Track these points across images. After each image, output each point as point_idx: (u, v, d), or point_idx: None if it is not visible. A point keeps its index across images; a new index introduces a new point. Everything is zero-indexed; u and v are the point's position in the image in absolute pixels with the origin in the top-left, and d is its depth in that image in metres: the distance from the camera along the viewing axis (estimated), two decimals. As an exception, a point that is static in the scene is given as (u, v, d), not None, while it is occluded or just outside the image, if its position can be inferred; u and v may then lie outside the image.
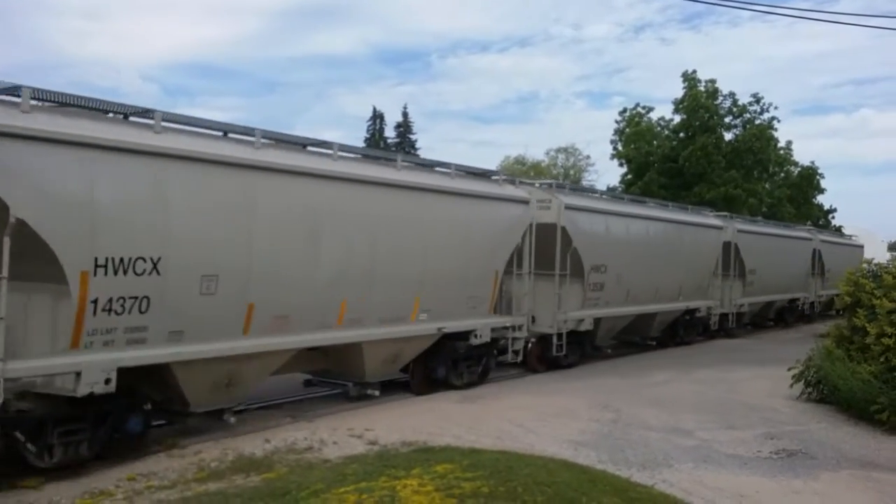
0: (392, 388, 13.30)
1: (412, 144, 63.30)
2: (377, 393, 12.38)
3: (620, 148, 38.50)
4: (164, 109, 9.00)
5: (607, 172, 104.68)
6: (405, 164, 12.84)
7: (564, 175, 58.13)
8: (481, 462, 8.32)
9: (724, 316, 24.38)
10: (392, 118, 65.48)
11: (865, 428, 11.58)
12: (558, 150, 60.14)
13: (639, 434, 10.67)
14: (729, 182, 34.45)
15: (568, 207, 16.18)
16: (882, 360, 12.05)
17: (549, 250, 15.93)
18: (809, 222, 45.78)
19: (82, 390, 7.92)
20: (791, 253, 28.92)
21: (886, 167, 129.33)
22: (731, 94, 37.13)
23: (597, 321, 17.50)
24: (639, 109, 38.88)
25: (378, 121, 64.27)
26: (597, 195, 20.97)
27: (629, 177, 38.16)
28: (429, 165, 13.83)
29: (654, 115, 38.82)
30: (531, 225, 15.26)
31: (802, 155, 53.83)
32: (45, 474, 8.14)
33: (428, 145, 78.87)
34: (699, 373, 16.89)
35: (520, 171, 51.92)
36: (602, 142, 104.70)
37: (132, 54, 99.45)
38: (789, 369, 13.89)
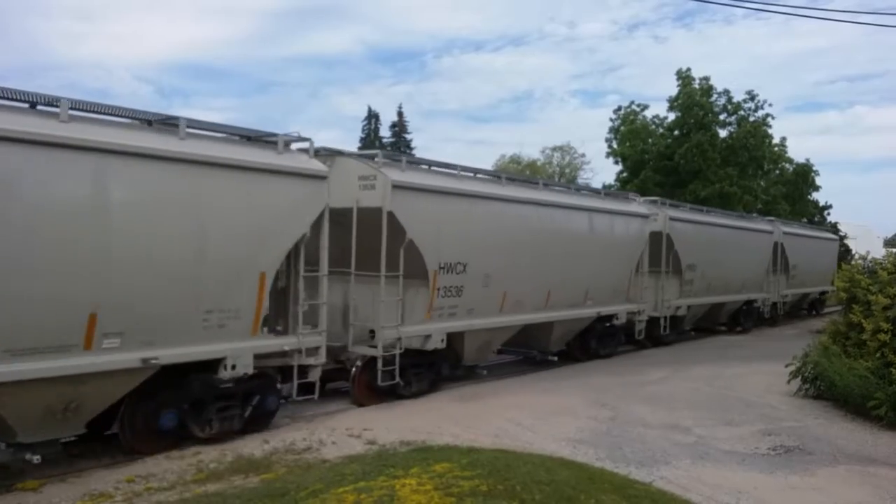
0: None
1: (407, 144, 63.33)
2: (36, 459, 8.13)
3: (615, 146, 38.48)
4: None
5: (602, 170, 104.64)
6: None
7: (560, 173, 58.19)
8: (480, 461, 8.33)
9: (654, 321, 20.49)
10: (387, 118, 65.62)
11: (862, 423, 11.63)
12: (554, 149, 60.25)
13: (636, 431, 10.70)
14: (724, 179, 34.48)
15: (399, 187, 12.04)
16: (878, 355, 12.09)
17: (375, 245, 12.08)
18: (805, 219, 45.91)
19: None
20: (745, 247, 25.03)
21: (881, 163, 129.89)
22: (726, 92, 37.13)
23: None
24: (633, 107, 38.87)
25: (373, 120, 64.34)
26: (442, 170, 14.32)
27: (624, 175, 38.17)
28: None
29: (648, 113, 38.80)
30: (326, 208, 10.75)
31: (797, 152, 54.03)
32: (45, 476, 8.14)
33: (423, 145, 79.06)
34: (696, 369, 16.93)
35: (516, 169, 51.96)
36: (597, 140, 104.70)
37: (126, 55, 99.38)
38: (786, 365, 13.94)
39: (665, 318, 20.74)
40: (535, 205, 15.40)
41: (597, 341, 18.40)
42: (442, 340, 13.15)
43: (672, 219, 20.56)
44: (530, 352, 17.34)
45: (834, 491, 8.43)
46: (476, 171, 14.78)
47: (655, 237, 20.04)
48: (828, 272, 33.90)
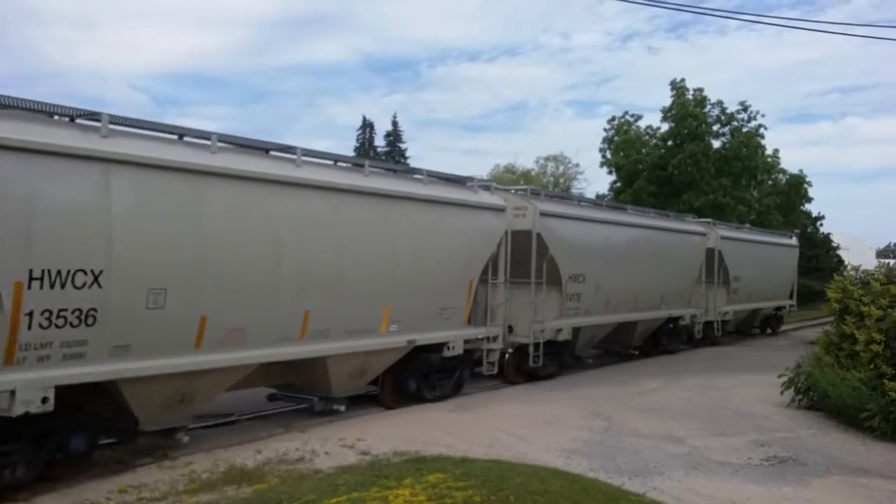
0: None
1: (402, 153, 63.34)
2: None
3: (609, 156, 38.66)
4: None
5: (597, 180, 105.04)
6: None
7: (554, 183, 58.30)
8: (473, 471, 8.32)
9: (522, 352, 16.00)
10: (382, 127, 65.53)
11: (855, 434, 11.64)
12: (548, 159, 60.27)
13: (630, 442, 10.69)
14: (717, 190, 34.65)
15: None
16: (871, 366, 12.11)
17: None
18: (798, 230, 46.08)
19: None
20: (663, 253, 20.62)
21: (874, 174, 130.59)
22: (719, 103, 37.38)
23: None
24: (627, 118, 39.09)
25: (368, 130, 64.27)
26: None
27: (618, 185, 38.32)
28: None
29: (642, 124, 39.04)
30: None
31: (790, 163, 54.15)
32: (35, 487, 8.09)
33: (418, 154, 79.14)
34: (689, 380, 16.95)
35: (510, 179, 52.05)
36: (591, 150, 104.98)
37: (121, 63, 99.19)
38: (779, 376, 13.96)
39: (535, 344, 16.64)
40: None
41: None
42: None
43: (545, 214, 16.13)
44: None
45: (827, 502, 8.43)
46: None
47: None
48: (785, 284, 31.15)
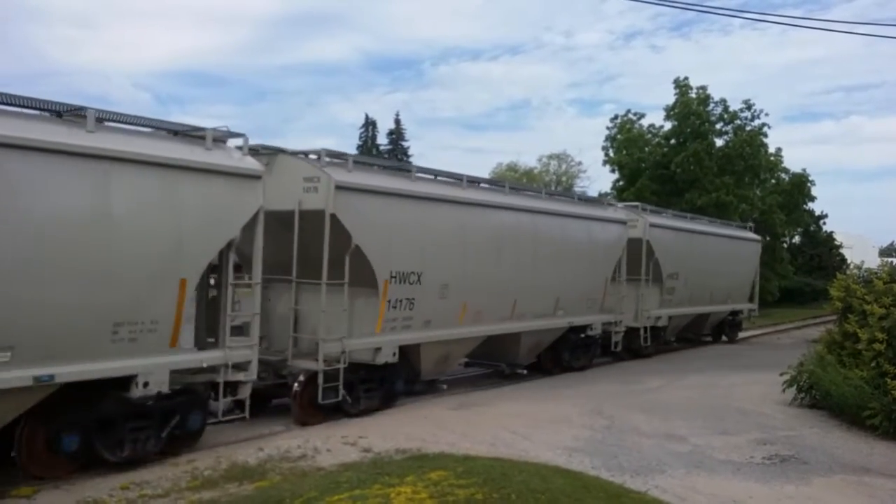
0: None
1: (404, 152, 63.37)
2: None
3: (612, 154, 38.56)
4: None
5: (599, 179, 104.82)
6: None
7: (557, 181, 58.22)
8: (475, 469, 8.32)
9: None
10: (384, 125, 65.84)
11: (857, 433, 11.63)
12: (550, 157, 60.23)
13: (632, 440, 10.69)
14: (720, 188, 34.56)
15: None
16: (873, 365, 12.10)
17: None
18: (801, 229, 45.98)
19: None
20: (561, 246, 16.44)
21: (877, 173, 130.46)
22: (723, 101, 37.26)
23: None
24: (630, 116, 38.96)
25: (370, 128, 64.37)
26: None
27: (621, 183, 38.25)
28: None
29: (645, 122, 38.93)
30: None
31: (793, 161, 54.09)
32: (38, 484, 8.11)
33: (420, 152, 79.24)
34: (691, 378, 16.94)
35: (512, 177, 52.01)
36: (594, 148, 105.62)
37: (124, 62, 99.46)
38: (781, 374, 13.95)
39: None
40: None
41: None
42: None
43: (342, 187, 11.56)
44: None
45: (829, 500, 8.43)
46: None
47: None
48: (743, 285, 27.26)
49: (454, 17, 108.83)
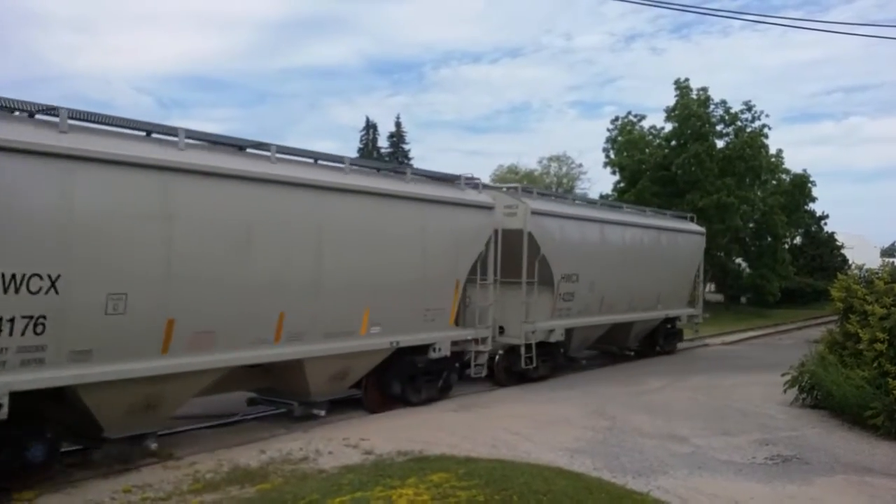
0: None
1: (405, 154, 63.40)
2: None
3: (613, 156, 38.59)
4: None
5: (600, 181, 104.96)
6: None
7: (558, 183, 58.23)
8: (477, 471, 8.32)
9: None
10: (385, 128, 65.78)
11: (859, 433, 11.63)
12: (551, 159, 60.27)
13: (634, 441, 10.68)
14: (721, 190, 34.56)
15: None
16: (875, 365, 12.10)
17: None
18: (802, 230, 45.87)
19: None
20: (378, 235, 11.93)
21: (878, 174, 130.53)
22: (723, 102, 37.29)
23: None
24: (631, 118, 39.00)
25: (371, 131, 64.39)
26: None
27: (622, 185, 38.26)
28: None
29: (645, 124, 38.96)
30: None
31: (794, 162, 54.19)
32: (38, 487, 8.12)
33: (421, 155, 79.26)
34: (693, 379, 16.92)
35: (513, 179, 51.99)
36: (594, 150, 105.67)
37: (125, 67, 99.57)
38: (783, 375, 13.94)
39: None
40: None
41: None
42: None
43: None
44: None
45: (831, 501, 8.42)
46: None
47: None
48: (681, 287, 22.20)
49: (455, 20, 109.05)
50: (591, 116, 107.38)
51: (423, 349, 12.99)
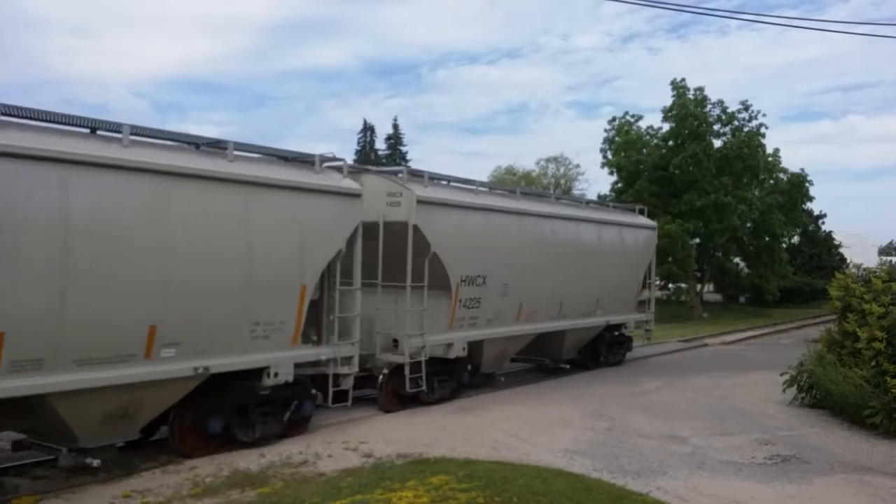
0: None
1: (403, 156, 63.43)
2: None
3: (610, 157, 38.63)
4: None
5: (598, 181, 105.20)
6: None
7: (555, 184, 58.19)
8: (476, 473, 8.33)
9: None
10: (383, 130, 65.69)
11: (858, 432, 11.65)
12: (548, 160, 60.17)
13: (633, 442, 10.69)
14: (719, 189, 34.61)
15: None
16: (873, 364, 12.12)
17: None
18: (800, 229, 45.87)
19: None
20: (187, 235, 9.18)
21: (875, 172, 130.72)
22: (720, 102, 37.36)
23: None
24: (628, 118, 39.04)
25: (369, 133, 64.43)
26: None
27: (619, 185, 38.30)
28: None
29: (643, 124, 39.01)
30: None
31: (791, 162, 54.24)
32: (41, 493, 8.12)
33: (419, 157, 79.22)
34: (693, 379, 16.94)
35: (511, 180, 52.02)
36: (592, 151, 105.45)
37: (123, 71, 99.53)
38: (782, 374, 13.97)
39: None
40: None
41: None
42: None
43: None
44: None
45: (831, 500, 8.43)
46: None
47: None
48: (627, 288, 19.23)
49: (452, 21, 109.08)
50: (588, 117, 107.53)
51: (258, 374, 10.07)
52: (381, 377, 12.80)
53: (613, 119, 39.33)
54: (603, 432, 11.29)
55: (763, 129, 37.40)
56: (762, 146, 37.26)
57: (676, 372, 18.36)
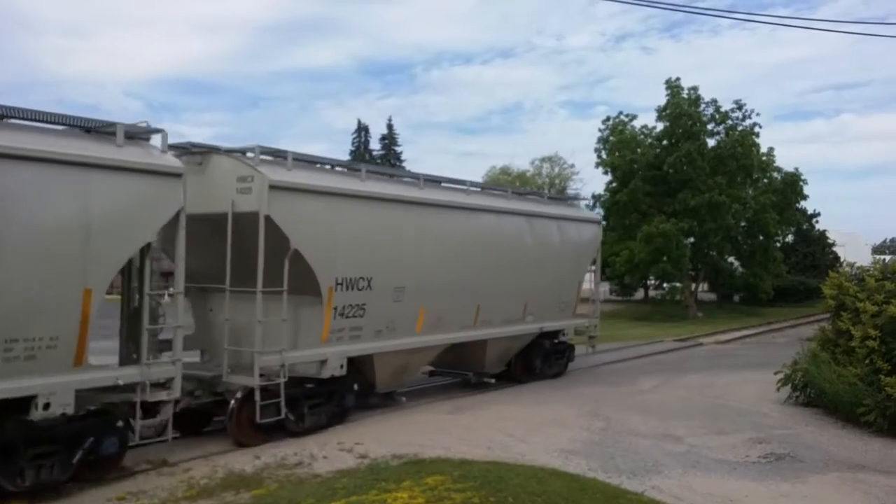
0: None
1: (397, 157, 63.44)
2: None
3: (605, 156, 38.66)
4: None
5: (592, 181, 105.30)
6: None
7: (550, 184, 58.15)
8: (472, 473, 8.33)
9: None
10: (377, 131, 65.74)
11: (852, 430, 11.68)
12: (543, 160, 60.22)
13: (628, 441, 10.70)
14: (713, 188, 34.67)
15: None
16: (867, 362, 12.15)
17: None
18: (794, 228, 46.03)
19: None
20: None
21: (868, 171, 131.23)
22: (714, 101, 37.44)
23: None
24: (622, 118, 39.08)
25: (363, 133, 64.44)
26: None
27: (614, 185, 38.34)
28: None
29: (637, 123, 39.05)
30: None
31: (785, 160, 54.25)
32: (33, 497, 8.08)
33: (414, 157, 79.19)
34: (688, 378, 16.96)
35: (506, 181, 51.98)
36: (586, 150, 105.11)
37: (116, 71, 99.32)
38: (776, 373, 14.00)
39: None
40: None
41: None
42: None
43: None
44: None
45: (825, 498, 8.45)
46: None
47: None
48: (566, 291, 17.01)
49: (445, 21, 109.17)
50: (582, 116, 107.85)
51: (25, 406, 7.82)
52: (232, 403, 10.39)
53: (608, 118, 39.39)
54: (598, 432, 11.30)
55: (757, 129, 37.52)
56: (756, 145, 37.34)
57: (671, 371, 18.39)
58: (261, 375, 10.25)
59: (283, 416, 10.53)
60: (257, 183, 10.22)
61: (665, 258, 35.17)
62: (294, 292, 10.65)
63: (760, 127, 37.63)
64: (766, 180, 40.60)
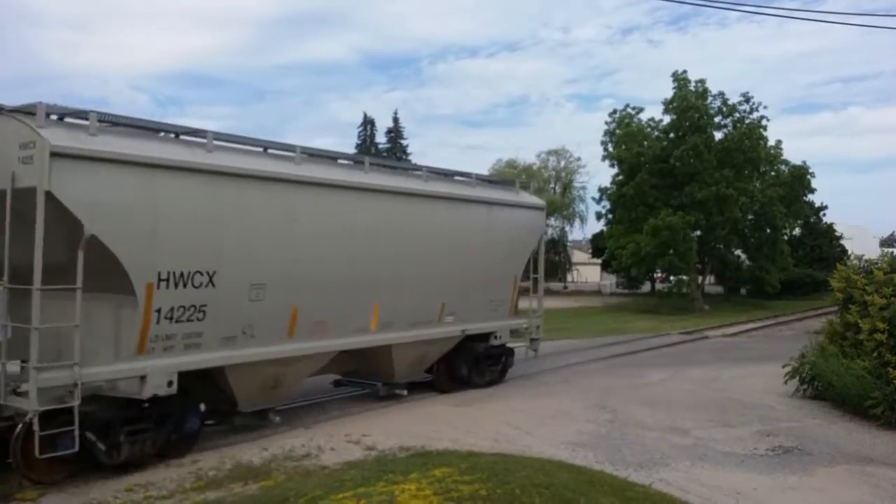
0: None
1: (403, 150, 63.40)
2: None
3: (611, 149, 38.61)
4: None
5: (599, 174, 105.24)
6: None
7: (556, 178, 58.02)
8: (479, 465, 8.33)
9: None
10: (383, 124, 65.76)
11: (860, 423, 11.65)
12: (549, 153, 60.10)
13: (635, 434, 10.70)
14: (720, 181, 34.59)
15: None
16: (875, 355, 12.12)
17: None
18: (801, 221, 45.92)
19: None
20: None
21: (876, 163, 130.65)
22: (721, 94, 37.33)
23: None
24: (629, 110, 39.02)
25: (369, 127, 64.42)
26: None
27: (620, 178, 38.28)
28: None
29: (643, 116, 38.99)
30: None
31: (792, 153, 54.23)
32: (43, 487, 8.13)
33: (420, 150, 79.38)
34: (694, 371, 16.94)
35: (512, 174, 51.95)
36: (593, 143, 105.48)
37: (122, 65, 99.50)
38: (783, 366, 13.98)
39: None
40: None
41: None
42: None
43: None
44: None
45: (833, 491, 8.44)
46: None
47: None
48: (498, 287, 14.68)
49: (451, 14, 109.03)
50: (589, 109, 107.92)
51: None
52: (17, 432, 8.08)
53: (614, 111, 39.32)
54: (605, 424, 11.30)
55: (764, 121, 37.42)
56: (763, 138, 37.25)
57: (678, 364, 18.37)
58: (46, 397, 7.83)
59: (76, 447, 7.95)
60: (38, 149, 7.89)
61: (671, 251, 35.13)
62: (96, 290, 8.32)
63: (768, 120, 37.59)
64: (773, 173, 40.50)
